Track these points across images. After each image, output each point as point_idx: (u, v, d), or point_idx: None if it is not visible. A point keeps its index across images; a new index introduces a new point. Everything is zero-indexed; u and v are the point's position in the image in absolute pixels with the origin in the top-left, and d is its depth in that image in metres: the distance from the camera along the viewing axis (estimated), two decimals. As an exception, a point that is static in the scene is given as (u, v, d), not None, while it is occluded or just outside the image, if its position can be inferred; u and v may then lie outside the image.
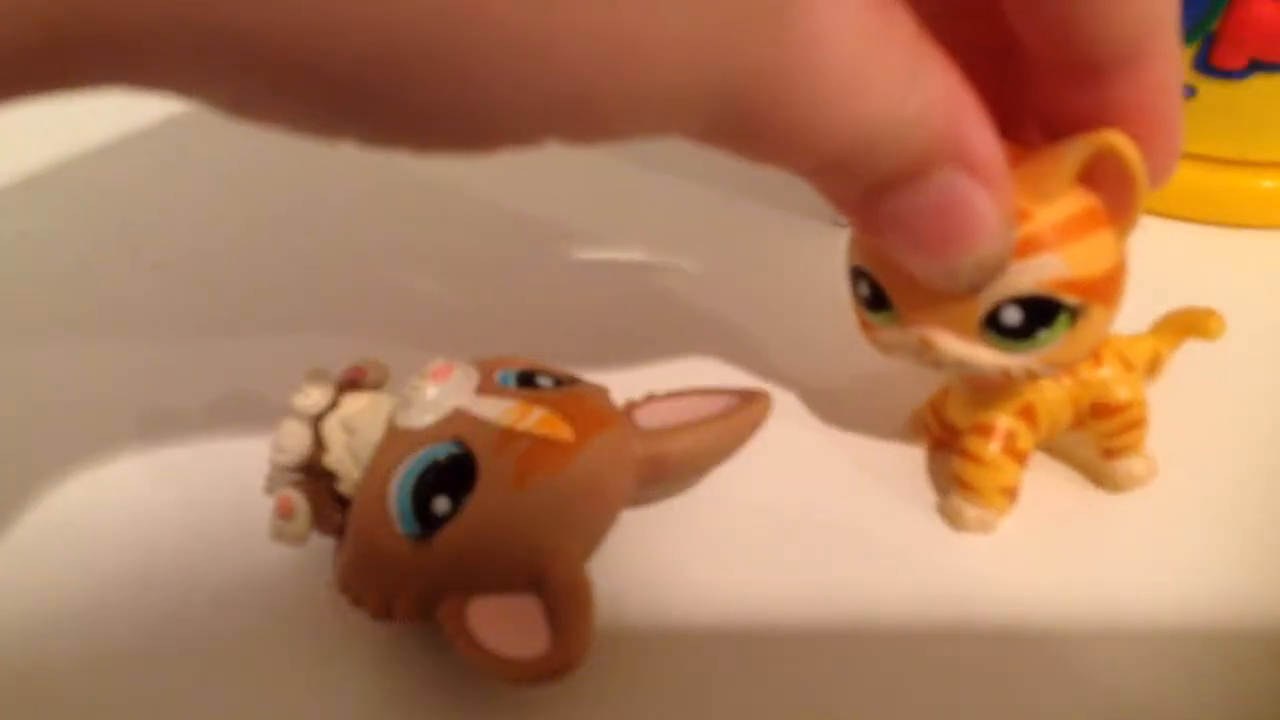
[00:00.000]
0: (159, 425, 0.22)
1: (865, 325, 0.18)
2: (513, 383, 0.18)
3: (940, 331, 0.17)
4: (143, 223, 0.28)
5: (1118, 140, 0.15)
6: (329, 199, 0.30)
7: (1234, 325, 0.25)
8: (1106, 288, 0.16)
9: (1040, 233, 0.16)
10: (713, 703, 0.17)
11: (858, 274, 0.18)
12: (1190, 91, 0.26)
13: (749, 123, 0.13)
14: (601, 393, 0.19)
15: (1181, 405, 0.22)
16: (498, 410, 0.17)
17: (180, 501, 0.20)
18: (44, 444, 0.22)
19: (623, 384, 0.20)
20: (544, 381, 0.19)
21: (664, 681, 0.17)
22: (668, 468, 0.18)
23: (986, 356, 0.17)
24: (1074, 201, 0.16)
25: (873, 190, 0.14)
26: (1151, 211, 0.28)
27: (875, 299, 0.17)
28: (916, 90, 0.13)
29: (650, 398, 0.20)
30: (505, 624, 0.16)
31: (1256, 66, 0.25)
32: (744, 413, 0.19)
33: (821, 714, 0.17)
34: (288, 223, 0.29)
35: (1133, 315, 0.25)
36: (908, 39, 0.13)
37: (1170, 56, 0.15)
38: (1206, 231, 0.28)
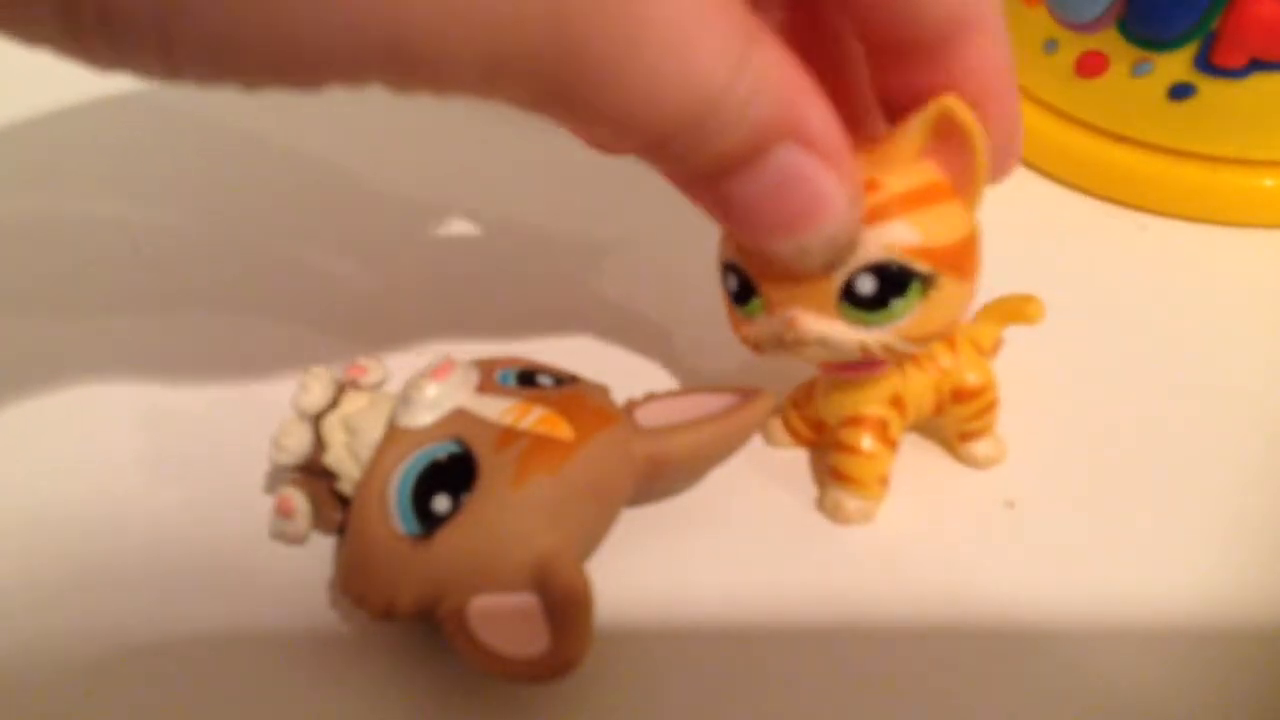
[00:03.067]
0: (159, 424, 0.22)
1: (736, 323, 0.18)
2: (513, 382, 0.18)
3: (801, 311, 0.17)
4: (143, 219, 0.28)
5: (953, 104, 0.15)
6: (332, 199, 0.30)
7: (1235, 324, 0.25)
8: (958, 259, 0.17)
9: (889, 200, 0.16)
10: (712, 702, 0.17)
11: (727, 269, 0.18)
12: (1191, 90, 0.26)
13: (572, 86, 0.13)
14: (602, 391, 0.19)
15: (1183, 405, 0.22)
16: (498, 409, 0.17)
17: (180, 500, 0.20)
18: (42, 442, 0.22)
19: (623, 383, 0.20)
20: (544, 380, 0.19)
21: (664, 681, 0.17)
22: (668, 466, 0.18)
23: (845, 332, 0.17)
24: (923, 172, 0.16)
25: (712, 172, 0.14)
26: (1153, 210, 0.28)
27: (743, 290, 0.18)
28: (748, 68, 0.13)
29: (650, 396, 0.20)
30: (505, 623, 0.16)
31: (1257, 65, 0.25)
32: (744, 411, 0.19)
33: (822, 713, 0.17)
34: (290, 221, 0.29)
35: (1134, 314, 0.25)
36: (738, 17, 0.13)
37: (994, 30, 0.15)
38: (1206, 230, 0.28)
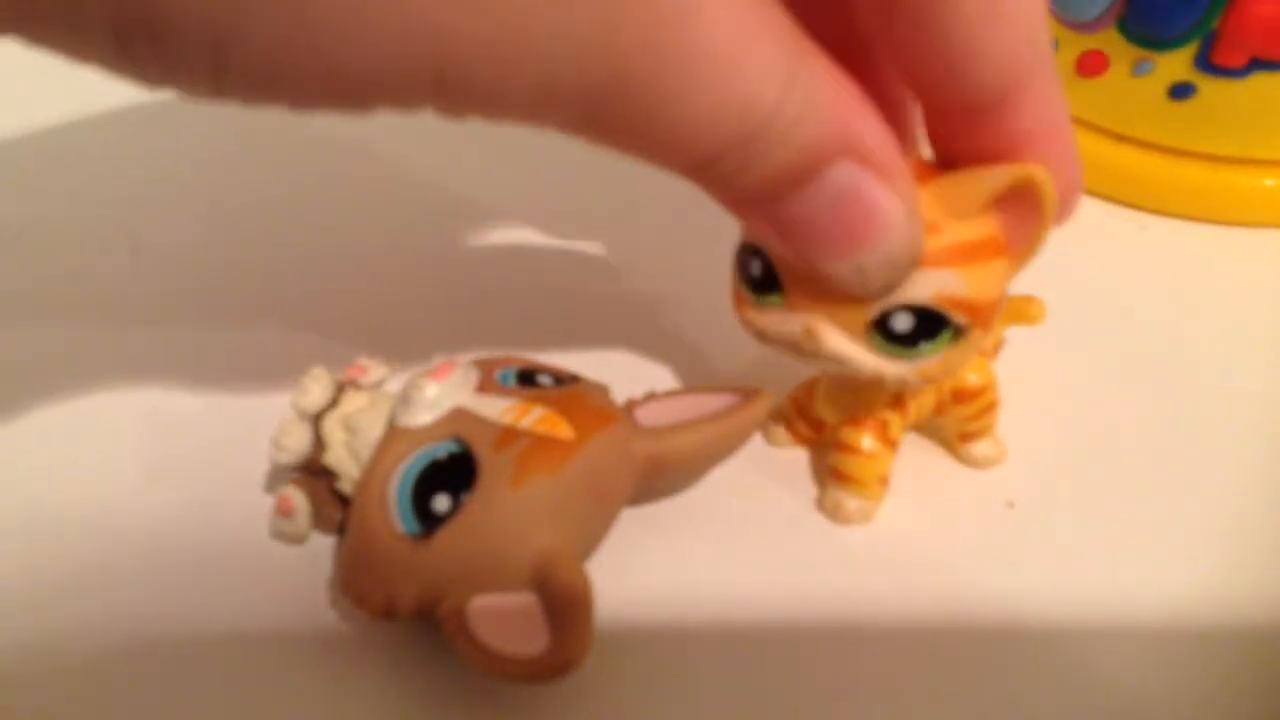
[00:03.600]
0: (159, 423, 0.22)
1: (742, 305, 0.18)
2: (513, 381, 0.18)
3: (826, 325, 0.17)
4: (143, 219, 0.28)
5: (1039, 175, 0.15)
6: (332, 198, 0.30)
7: (1235, 324, 0.25)
8: (989, 314, 0.17)
9: (948, 247, 0.16)
10: (713, 702, 0.17)
11: (751, 252, 0.17)
12: (1191, 90, 0.26)
13: (618, 111, 0.12)
14: (602, 391, 0.19)
15: (1183, 405, 0.22)
16: (498, 409, 0.17)
17: (180, 500, 0.20)
18: (42, 441, 0.22)
19: (623, 382, 0.20)
20: (544, 380, 0.19)
21: (664, 681, 0.17)
22: (668, 466, 0.18)
23: (867, 359, 0.17)
24: (982, 226, 0.16)
25: (764, 194, 0.14)
26: (1153, 210, 0.28)
27: (766, 279, 0.17)
28: (797, 86, 0.13)
29: (650, 396, 0.20)
30: (505, 623, 0.16)
31: (1257, 65, 0.25)
32: (744, 411, 0.19)
33: (822, 712, 0.17)
34: (290, 221, 0.29)
35: (1135, 314, 0.25)
36: (786, 35, 0.13)
37: (1049, 88, 0.15)
38: (1207, 230, 0.28)
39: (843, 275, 0.15)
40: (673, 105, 0.12)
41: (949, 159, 0.16)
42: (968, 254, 0.16)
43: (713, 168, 0.14)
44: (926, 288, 0.16)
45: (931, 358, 0.17)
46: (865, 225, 0.14)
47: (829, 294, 0.16)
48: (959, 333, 0.16)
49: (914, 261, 0.15)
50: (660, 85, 0.12)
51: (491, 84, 0.12)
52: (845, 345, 0.17)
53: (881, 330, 0.16)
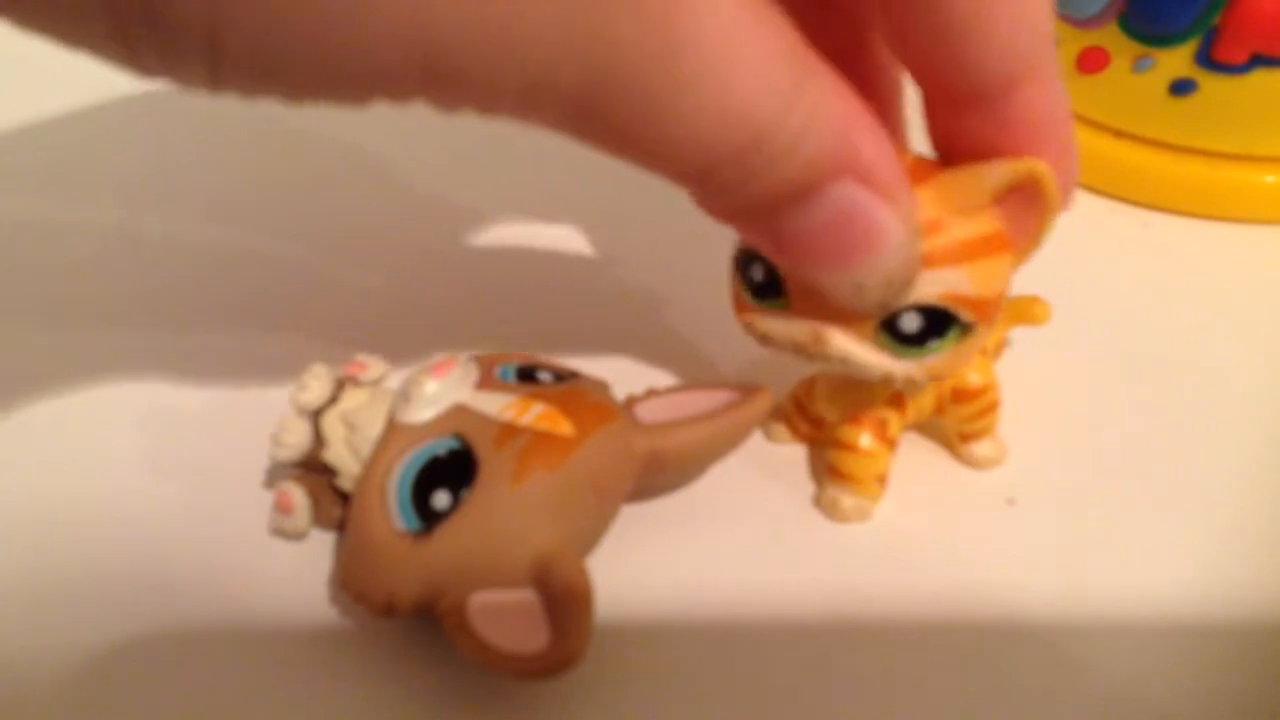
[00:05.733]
0: (158, 420, 0.22)
1: (743, 308, 0.18)
2: (513, 378, 0.18)
3: (834, 328, 0.17)
4: (141, 215, 0.28)
5: (1041, 169, 0.15)
6: (331, 195, 0.30)
7: (1236, 321, 0.25)
8: (994, 310, 0.17)
9: (953, 246, 0.16)
10: (712, 699, 0.17)
11: (752, 256, 0.17)
12: (1192, 86, 0.26)
13: (611, 112, 0.12)
14: (601, 387, 0.19)
15: (1184, 402, 0.22)
16: (497, 405, 0.17)
17: (179, 497, 0.20)
18: (41, 439, 0.22)
19: (623, 379, 0.20)
20: (544, 376, 0.19)
21: (664, 678, 0.17)
22: (668, 462, 0.18)
23: (875, 359, 0.17)
24: (986, 222, 0.16)
25: (765, 207, 0.14)
26: (1154, 207, 0.28)
27: (769, 284, 0.17)
28: (802, 97, 0.13)
29: (651, 392, 0.20)
30: (505, 619, 0.16)
31: (1258, 61, 0.25)
32: (744, 408, 0.19)
33: (820, 709, 0.17)
34: (289, 217, 0.29)
35: (1136, 311, 0.25)
36: (793, 46, 0.13)
37: (1052, 82, 0.15)
38: (1208, 227, 0.28)
39: (840, 289, 0.15)
40: (667, 109, 0.12)
41: (950, 151, 0.16)
42: (973, 251, 0.16)
43: (709, 179, 0.13)
44: (934, 287, 0.16)
45: (939, 355, 0.17)
46: (865, 244, 0.14)
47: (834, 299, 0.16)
48: (966, 329, 0.16)
49: (911, 280, 0.15)
50: (654, 86, 0.12)
51: (483, 76, 0.12)
52: (853, 347, 0.17)
53: (890, 331, 0.16)
